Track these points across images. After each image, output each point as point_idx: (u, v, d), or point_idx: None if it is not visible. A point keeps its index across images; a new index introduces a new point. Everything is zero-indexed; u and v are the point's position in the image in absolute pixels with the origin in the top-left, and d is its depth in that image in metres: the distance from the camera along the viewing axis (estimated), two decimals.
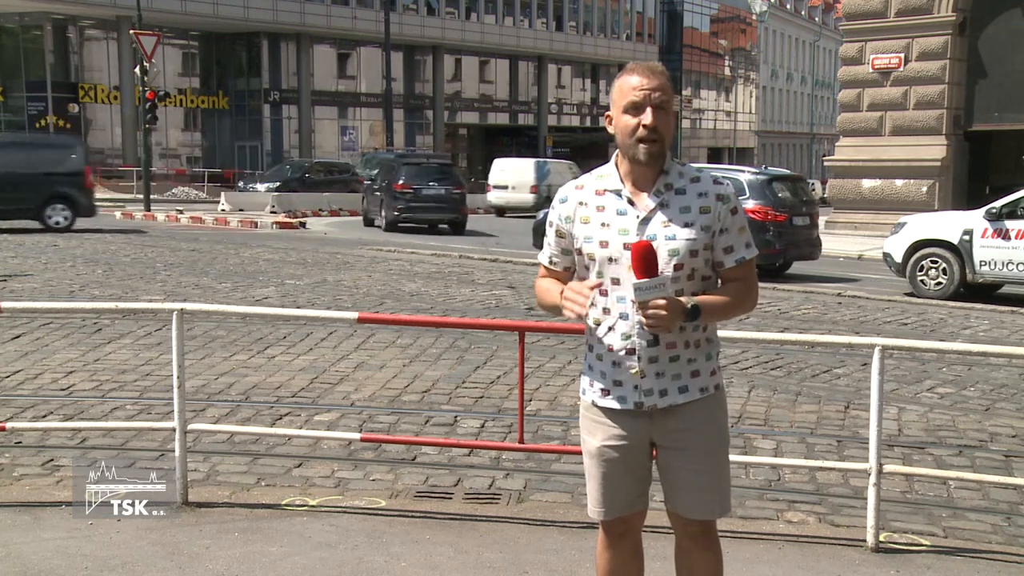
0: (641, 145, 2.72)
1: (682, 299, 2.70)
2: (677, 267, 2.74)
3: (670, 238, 2.74)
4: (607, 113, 2.83)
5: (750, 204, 14.92)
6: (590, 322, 2.84)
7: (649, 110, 2.70)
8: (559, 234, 2.90)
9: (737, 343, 8.29)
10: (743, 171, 16.91)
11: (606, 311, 2.81)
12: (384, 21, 42.40)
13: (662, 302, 2.64)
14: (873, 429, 4.35)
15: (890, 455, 5.63)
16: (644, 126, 2.70)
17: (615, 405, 2.85)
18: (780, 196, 15.74)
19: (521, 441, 4.94)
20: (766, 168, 20.05)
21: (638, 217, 2.77)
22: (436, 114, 55.91)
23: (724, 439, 2.96)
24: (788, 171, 20.28)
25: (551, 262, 2.96)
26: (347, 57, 52.53)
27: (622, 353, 2.79)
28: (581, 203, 2.85)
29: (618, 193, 2.81)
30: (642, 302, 2.65)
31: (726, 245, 2.82)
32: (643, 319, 2.67)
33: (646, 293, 2.64)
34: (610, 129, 2.81)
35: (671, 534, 3.08)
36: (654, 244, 2.70)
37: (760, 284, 3.07)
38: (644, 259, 2.65)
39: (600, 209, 2.81)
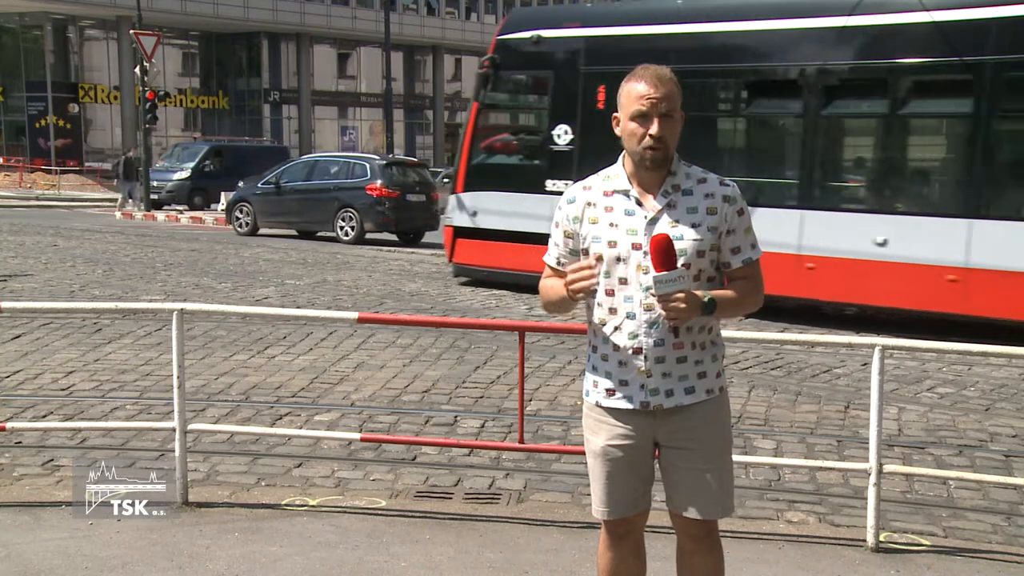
0: (647, 152, 2.75)
1: (698, 293, 2.71)
2: (684, 267, 2.75)
3: (677, 238, 2.75)
4: (615, 114, 2.84)
5: (376, 183, 18.74)
6: (595, 321, 2.84)
7: (656, 120, 2.72)
8: (567, 235, 2.90)
9: (737, 343, 8.28)
10: (372, 157, 21.02)
11: (612, 311, 2.81)
12: (384, 21, 42.30)
13: (682, 295, 2.65)
14: (873, 429, 4.35)
15: (890, 455, 5.63)
16: (650, 135, 2.73)
17: (621, 405, 2.84)
18: (396, 178, 19.30)
19: (521, 441, 4.94)
20: (392, 156, 24.60)
21: (646, 217, 2.78)
22: (436, 114, 55.88)
23: (727, 441, 2.96)
24: (410, 158, 24.37)
25: (559, 263, 2.94)
26: (347, 57, 52.52)
27: (629, 352, 2.79)
28: (589, 204, 2.86)
29: (626, 194, 2.82)
30: (662, 295, 2.65)
31: (733, 246, 2.83)
32: (663, 312, 2.68)
33: (666, 286, 2.64)
34: (617, 131, 2.82)
35: (672, 534, 3.08)
36: None
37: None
38: (663, 251, 2.66)
39: (608, 209, 2.82)
